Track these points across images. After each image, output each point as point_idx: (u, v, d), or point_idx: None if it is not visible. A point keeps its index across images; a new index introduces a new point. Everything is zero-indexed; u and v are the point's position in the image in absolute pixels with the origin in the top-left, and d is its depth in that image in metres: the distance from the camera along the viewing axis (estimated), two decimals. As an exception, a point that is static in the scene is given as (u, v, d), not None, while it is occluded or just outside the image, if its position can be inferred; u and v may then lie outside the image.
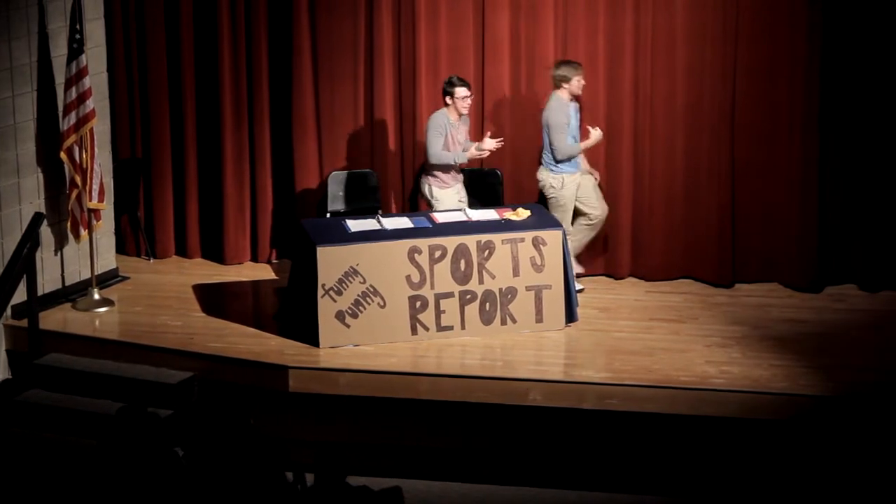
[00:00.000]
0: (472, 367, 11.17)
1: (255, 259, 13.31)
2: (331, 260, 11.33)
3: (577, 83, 11.99)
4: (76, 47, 11.87)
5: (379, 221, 11.85)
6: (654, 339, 11.68)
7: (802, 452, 10.38)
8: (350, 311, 11.38)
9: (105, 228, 12.54)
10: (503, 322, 11.66)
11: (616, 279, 12.85)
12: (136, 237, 13.39)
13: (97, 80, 12.32)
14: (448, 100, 12.00)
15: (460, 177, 12.21)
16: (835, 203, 12.57)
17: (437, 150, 11.94)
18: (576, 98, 12.08)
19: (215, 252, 13.36)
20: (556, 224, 11.85)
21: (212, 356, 11.33)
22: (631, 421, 10.59)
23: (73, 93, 11.87)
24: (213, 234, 13.36)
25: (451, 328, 11.58)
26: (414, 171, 12.96)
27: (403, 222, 11.82)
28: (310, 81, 12.95)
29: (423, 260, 11.48)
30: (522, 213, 11.88)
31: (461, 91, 11.95)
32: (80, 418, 10.74)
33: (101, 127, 12.33)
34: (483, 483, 10.34)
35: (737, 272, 12.74)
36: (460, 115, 12.04)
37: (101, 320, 12.11)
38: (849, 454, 10.31)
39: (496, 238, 11.60)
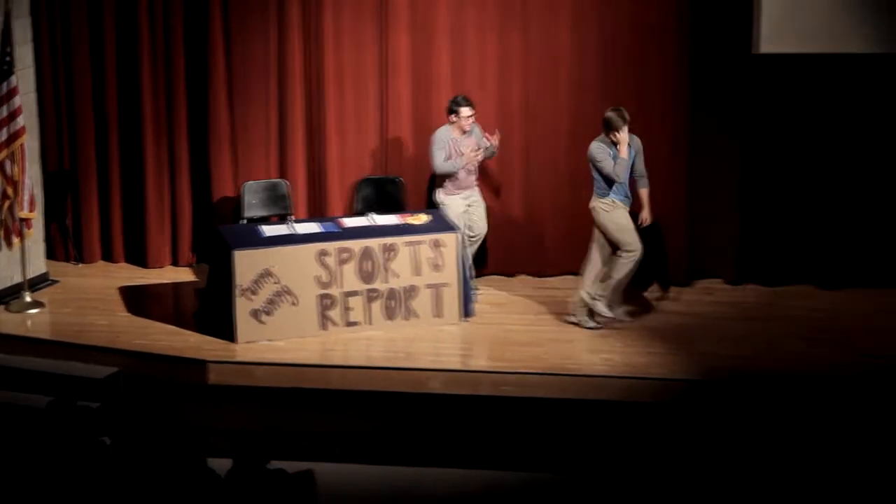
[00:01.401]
0: (377, 359, 11.16)
1: (175, 263, 13.28)
2: (246, 262, 11.27)
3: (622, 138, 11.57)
4: (6, 69, 11.80)
5: (290, 226, 11.80)
6: (543, 331, 11.70)
7: (678, 432, 10.42)
8: (264, 309, 11.32)
9: (35, 236, 12.40)
10: (405, 317, 11.67)
11: (508, 277, 12.88)
12: (64, 244, 13.29)
13: (27, 99, 12.20)
14: (453, 117, 11.94)
15: (471, 182, 12.10)
16: (702, 205, 12.68)
17: (440, 162, 11.93)
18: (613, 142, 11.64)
19: (138, 256, 13.29)
20: (452, 228, 11.84)
21: (136, 353, 11.22)
22: (523, 406, 10.58)
23: (5, 111, 11.78)
24: (136, 240, 13.30)
25: (357, 323, 11.55)
26: (320, 179, 12.96)
27: (313, 227, 11.80)
28: (224, 99, 12.95)
29: (331, 261, 11.44)
30: (422, 218, 11.93)
31: (465, 111, 11.91)
32: (14, 412, 10.53)
33: (31, 142, 12.21)
34: (389, 465, 10.33)
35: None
36: (464, 131, 11.95)
37: (32, 321, 11.97)
38: (720, 434, 10.37)
39: (398, 241, 11.60)
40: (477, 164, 12.01)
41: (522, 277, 12.82)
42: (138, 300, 12.33)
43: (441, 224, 11.86)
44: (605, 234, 11.65)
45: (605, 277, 11.73)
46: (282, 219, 12.44)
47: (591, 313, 11.70)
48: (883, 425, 10.30)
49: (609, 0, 12.48)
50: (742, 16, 12.10)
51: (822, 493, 9.72)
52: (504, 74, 12.66)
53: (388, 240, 11.57)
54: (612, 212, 11.61)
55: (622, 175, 11.47)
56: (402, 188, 12.76)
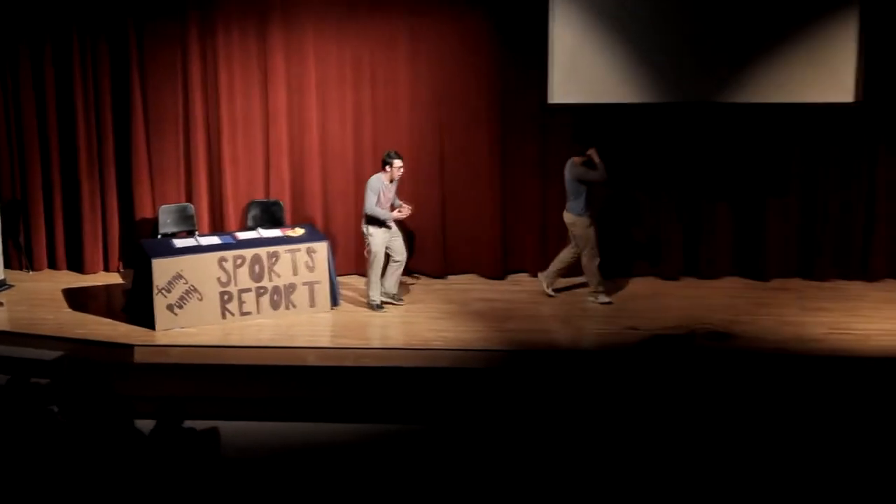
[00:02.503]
0: (266, 340, 11.12)
1: (107, 269, 13.03)
2: (162, 268, 11.21)
3: (593, 153, 11.62)
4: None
5: (196, 240, 11.72)
6: (393, 316, 11.71)
7: (497, 390, 10.48)
8: (177, 304, 11.26)
9: (-5, 251, 12.26)
10: (287, 307, 11.62)
11: (361, 276, 12.56)
12: (18, 256, 13.00)
13: (-14, 145, 11.98)
14: (387, 168, 11.49)
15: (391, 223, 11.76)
16: (512, 217, 12.74)
17: (371, 206, 11.47)
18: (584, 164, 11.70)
19: (77, 264, 13.05)
20: (322, 238, 11.81)
21: (77, 339, 11.10)
22: (379, 373, 10.61)
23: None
24: (75, 252, 13.05)
25: (250, 313, 11.50)
26: (219, 202, 12.78)
27: (214, 240, 11.70)
28: (143, 141, 12.74)
29: (228, 266, 11.40)
30: (298, 231, 11.87)
31: (397, 163, 11.48)
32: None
33: (-9, 179, 12.11)
34: (277, 421, 10.27)
35: (448, 267, 12.81)
36: (392, 180, 11.59)
37: (-6, 317, 11.79)
38: (529, 391, 10.46)
39: (280, 249, 11.55)
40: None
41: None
42: (78, 299, 12.19)
43: (313, 236, 11.81)
44: (578, 241, 11.74)
45: (559, 269, 11.97)
46: (189, 234, 12.28)
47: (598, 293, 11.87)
48: (643, 378, 10.44)
49: (437, 61, 12.40)
50: (541, 73, 12.08)
51: (601, 437, 9.80)
52: (358, 119, 12.59)
53: (273, 248, 11.50)
54: (589, 227, 11.69)
55: (605, 174, 11.56)
56: (282, 208, 12.61)
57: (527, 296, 12.29)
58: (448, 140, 12.61)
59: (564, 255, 12.02)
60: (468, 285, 12.62)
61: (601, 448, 9.53)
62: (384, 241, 11.70)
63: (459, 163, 12.65)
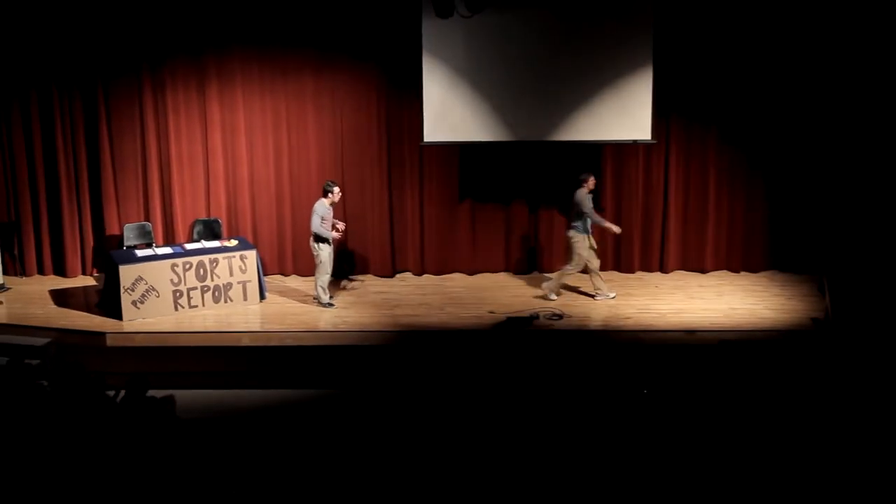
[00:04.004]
0: (210, 326, 11.15)
1: (84, 273, 13.02)
2: (127, 273, 11.27)
3: (592, 183, 11.35)
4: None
5: (153, 250, 11.75)
6: (308, 308, 11.70)
7: (392, 361, 10.52)
8: (140, 300, 11.32)
9: (-5, 261, 12.21)
10: (226, 301, 11.65)
11: (285, 276, 12.89)
12: (13, 264, 12.95)
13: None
14: (329, 194, 11.30)
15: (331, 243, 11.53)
16: (398, 229, 12.76)
17: (317, 226, 11.23)
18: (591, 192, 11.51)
19: (60, 270, 13.03)
20: (252, 247, 11.81)
21: (61, 329, 11.12)
22: (299, 351, 10.63)
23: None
24: (59, 260, 13.03)
25: (196, 306, 11.53)
26: (170, 221, 12.73)
27: (167, 250, 11.75)
28: (111, 174, 12.75)
29: (179, 270, 11.46)
30: (233, 242, 11.87)
31: (336, 189, 11.33)
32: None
33: (-8, 205, 12.12)
34: (218, 389, 10.24)
35: (348, 268, 12.81)
36: (332, 203, 11.42)
37: (-5, 313, 11.78)
38: (416, 362, 10.48)
39: (219, 256, 11.60)
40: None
41: (294, 276, 12.78)
42: (62, 297, 12.18)
43: (245, 246, 11.80)
44: (575, 253, 11.39)
45: (560, 277, 11.54)
46: (148, 245, 12.30)
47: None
48: (500, 348, 10.51)
49: (338, 109, 12.42)
50: (418, 119, 12.11)
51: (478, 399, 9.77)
52: (278, 156, 12.61)
53: (213, 256, 11.53)
54: (584, 242, 11.40)
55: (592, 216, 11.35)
56: (220, 225, 12.62)
57: (411, 289, 12.38)
58: (347, 171, 12.67)
59: (567, 269, 11.65)
60: (366, 282, 12.69)
61: (473, 405, 9.54)
62: (329, 254, 11.44)
63: (356, 189, 12.69)
